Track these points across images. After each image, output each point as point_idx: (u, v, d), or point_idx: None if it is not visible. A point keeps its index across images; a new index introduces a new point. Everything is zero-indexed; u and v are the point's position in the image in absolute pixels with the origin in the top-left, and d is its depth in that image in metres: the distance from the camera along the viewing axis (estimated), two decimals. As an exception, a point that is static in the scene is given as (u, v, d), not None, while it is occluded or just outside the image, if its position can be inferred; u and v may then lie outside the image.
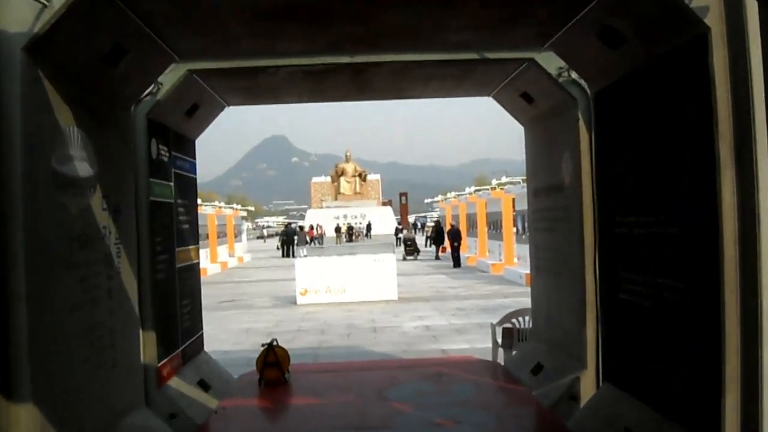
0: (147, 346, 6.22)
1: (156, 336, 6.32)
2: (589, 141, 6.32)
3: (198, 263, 8.14)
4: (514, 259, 25.79)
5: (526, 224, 22.36)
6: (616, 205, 5.66)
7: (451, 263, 30.59)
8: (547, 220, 7.48)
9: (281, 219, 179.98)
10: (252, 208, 61.90)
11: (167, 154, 6.95)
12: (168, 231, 6.92)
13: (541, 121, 7.50)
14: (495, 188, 27.50)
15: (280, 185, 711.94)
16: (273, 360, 7.78)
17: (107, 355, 5.12)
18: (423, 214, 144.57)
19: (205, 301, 19.43)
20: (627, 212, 5.45)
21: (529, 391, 6.93)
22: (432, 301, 17.96)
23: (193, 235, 7.93)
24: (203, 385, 7.28)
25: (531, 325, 8.35)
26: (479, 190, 31.58)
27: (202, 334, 8.32)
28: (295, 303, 18.18)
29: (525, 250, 22.99)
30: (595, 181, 6.26)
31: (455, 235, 31.57)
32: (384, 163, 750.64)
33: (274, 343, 8.14)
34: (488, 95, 8.17)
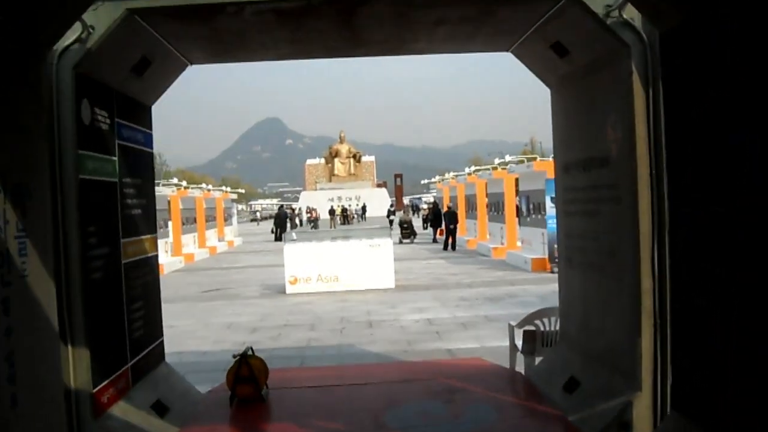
0: (76, 368, 4.82)
1: (89, 354, 4.91)
2: (645, 100, 4.90)
3: (155, 256, 6.70)
4: (518, 242, 24.40)
5: (530, 206, 20.95)
6: (688, 182, 4.24)
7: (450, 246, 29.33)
8: (585, 202, 6.05)
9: (275, 201, 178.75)
10: (243, 191, 60.31)
11: (108, 121, 5.49)
12: (108, 218, 5.48)
13: (576, 79, 6.05)
14: (497, 168, 26.05)
15: (275, 168, 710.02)
16: (246, 374, 6.36)
17: (2, 392, 3.69)
18: (417, 196, 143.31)
19: (187, 290, 18.07)
20: (704, 190, 4.03)
21: (564, 417, 5.54)
22: (432, 289, 16.56)
23: (148, 223, 6.49)
24: (159, 407, 5.86)
25: (558, 327, 6.96)
26: (479, 170, 30.11)
27: (161, 342, 6.88)
28: (284, 292, 16.77)
29: (528, 233, 21.62)
30: (654, 151, 4.84)
31: (451, 218, 30.13)
32: (378, 145, 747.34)
33: (249, 352, 6.73)
34: (507, 50, 6.72)
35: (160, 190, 26.42)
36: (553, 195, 18.61)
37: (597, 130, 5.61)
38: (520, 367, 7.53)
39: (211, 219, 36.47)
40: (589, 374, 5.84)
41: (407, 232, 34.67)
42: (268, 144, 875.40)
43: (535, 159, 19.80)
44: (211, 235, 35.98)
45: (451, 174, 37.59)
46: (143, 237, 6.29)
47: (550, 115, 6.80)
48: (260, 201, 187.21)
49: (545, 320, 7.19)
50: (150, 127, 6.65)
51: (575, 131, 6.23)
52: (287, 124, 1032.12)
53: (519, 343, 7.46)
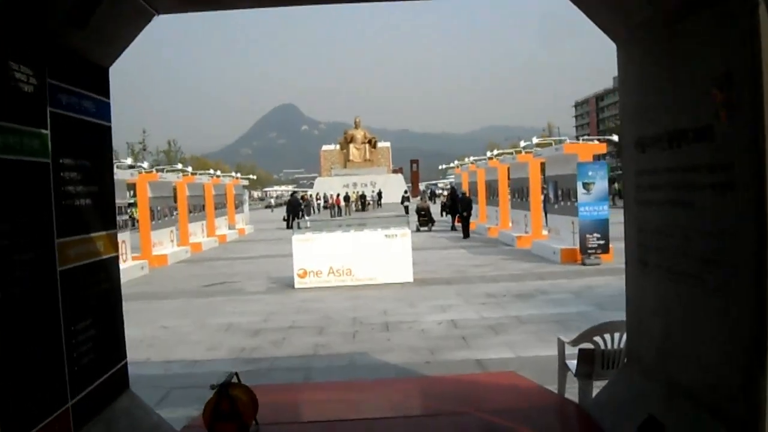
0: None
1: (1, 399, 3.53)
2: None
3: (114, 258, 5.29)
4: (543, 231, 22.90)
5: (559, 192, 19.42)
6: None
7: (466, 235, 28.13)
8: (670, 188, 4.56)
9: (291, 188, 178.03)
10: (254, 177, 58.95)
11: (33, 82, 4.07)
12: (35, 211, 4.07)
13: (661, 25, 4.54)
14: (521, 151, 24.49)
15: (290, 154, 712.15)
16: (227, 410, 4.95)
17: None
18: (434, 182, 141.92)
19: (189, 283, 16.69)
20: None
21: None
22: (454, 284, 15.11)
23: (102, 216, 5.09)
24: (113, 457, 4.47)
25: (625, 346, 5.51)
26: (501, 154, 28.54)
27: (124, 365, 5.47)
28: (292, 287, 15.40)
29: (557, 221, 20.09)
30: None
31: (466, 204, 28.80)
32: (394, 131, 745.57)
33: (234, 379, 5.33)
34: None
35: (165, 177, 25.11)
36: (587, 180, 17.16)
37: (692, 93, 4.13)
38: (571, 393, 6.12)
39: (220, 206, 35.19)
40: (676, 415, 4.39)
41: (425, 219, 33.21)
42: (283, 130, 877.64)
43: (564, 141, 18.28)
44: (221, 223, 34.71)
45: (471, 158, 36.01)
46: (94, 235, 4.89)
47: (612, 79, 5.34)
48: (275, 187, 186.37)
49: (606, 336, 5.75)
50: (106, 95, 5.23)
51: (656, 96, 4.73)
52: (303, 110, 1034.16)
53: (571, 362, 6.05)
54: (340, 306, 12.89)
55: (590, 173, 17.12)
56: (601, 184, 17.12)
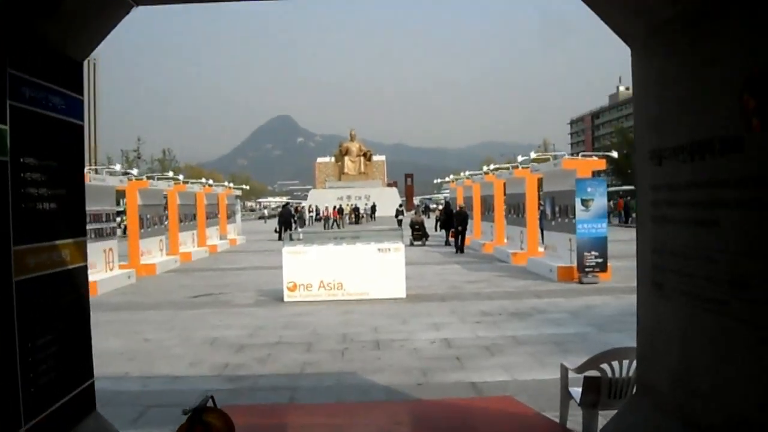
0: None
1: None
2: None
3: (82, 268, 4.88)
4: (539, 248, 22.50)
5: (556, 209, 19.04)
6: None
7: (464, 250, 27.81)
8: (691, 205, 4.17)
9: (285, 199, 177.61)
10: (247, 186, 58.49)
11: (-11, 70, 3.67)
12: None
13: (683, 24, 4.17)
14: (517, 166, 24.14)
15: (285, 165, 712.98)
16: (201, 439, 4.50)
17: None
18: (428, 196, 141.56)
19: (176, 294, 16.21)
20: None
21: None
22: (448, 300, 14.68)
23: (69, 222, 4.68)
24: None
25: (635, 374, 5.10)
26: (498, 169, 28.19)
27: (91, 385, 5.04)
28: (281, 300, 14.94)
29: (554, 238, 19.69)
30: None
31: (462, 219, 28.46)
32: (389, 145, 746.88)
33: (210, 403, 4.88)
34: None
35: (156, 185, 24.68)
36: (585, 197, 16.78)
37: (719, 99, 3.74)
38: (573, 422, 5.71)
39: (212, 216, 34.71)
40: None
41: (419, 234, 32.81)
42: (279, 141, 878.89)
43: (562, 157, 17.91)
44: (212, 233, 34.22)
45: (467, 173, 35.67)
46: (59, 243, 4.47)
47: (627, 85, 4.95)
48: (269, 198, 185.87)
49: (614, 363, 5.33)
50: (78, 91, 4.82)
51: (677, 104, 4.34)
52: (298, 121, 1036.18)
53: (575, 389, 5.63)
54: (329, 321, 12.44)
55: (589, 189, 16.75)
56: (600, 201, 16.74)
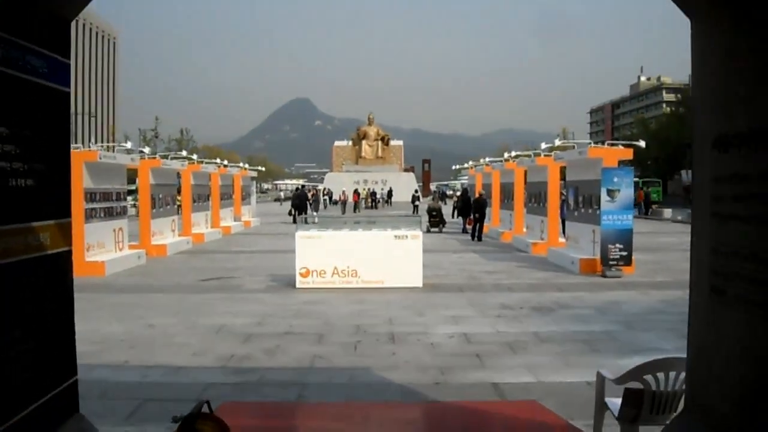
0: None
1: None
2: None
3: (65, 253, 4.33)
4: (560, 238, 21.86)
5: (580, 199, 18.38)
6: None
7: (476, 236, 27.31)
8: (762, 201, 3.56)
9: (302, 182, 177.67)
10: (263, 168, 58.05)
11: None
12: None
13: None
14: (540, 154, 23.45)
15: (303, 148, 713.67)
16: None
17: None
18: (444, 183, 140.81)
19: (185, 277, 15.74)
20: None
21: None
22: (467, 291, 14.11)
23: (49, 201, 4.13)
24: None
25: (685, 389, 4.51)
26: (519, 156, 27.49)
27: (73, 384, 4.51)
28: (293, 286, 14.44)
29: (576, 229, 19.02)
30: None
31: (481, 206, 27.82)
32: (407, 130, 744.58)
33: (205, 408, 4.35)
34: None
35: (169, 164, 24.21)
36: (612, 187, 16.11)
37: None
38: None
39: (227, 197, 34.28)
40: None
41: (436, 220, 32.23)
42: (296, 124, 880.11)
43: (588, 145, 17.15)
44: (227, 214, 33.79)
45: (487, 159, 34.96)
46: (36, 224, 3.93)
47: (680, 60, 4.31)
48: (286, 180, 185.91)
49: (659, 375, 4.75)
50: (64, 53, 4.26)
51: (747, 83, 3.73)
52: (317, 105, 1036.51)
53: (612, 401, 5.06)
54: (343, 310, 11.91)
55: (615, 179, 16.06)
56: (626, 192, 16.06)
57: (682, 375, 4.59)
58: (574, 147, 19.45)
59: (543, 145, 24.39)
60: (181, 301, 13.14)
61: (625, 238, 16.16)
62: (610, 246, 16.17)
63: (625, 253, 16.21)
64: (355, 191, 60.98)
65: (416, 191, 59.99)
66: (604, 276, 16.11)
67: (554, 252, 19.48)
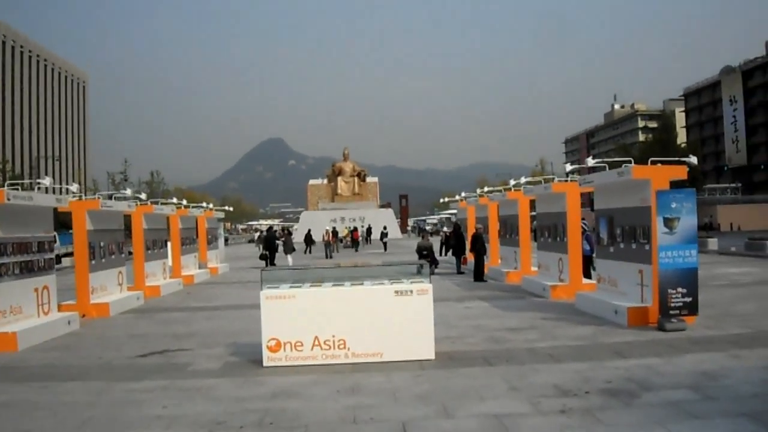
0: None
1: None
2: None
3: None
4: (584, 280, 18.21)
5: (617, 231, 14.79)
6: None
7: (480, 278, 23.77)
8: None
9: (277, 222, 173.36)
10: (230, 208, 53.96)
11: None
12: None
13: None
14: (553, 179, 19.87)
15: (277, 188, 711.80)
16: None
17: None
18: (422, 218, 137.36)
19: (119, 350, 10.10)
20: None
21: None
22: (497, 364, 10.33)
23: None
24: None
25: None
26: (530, 183, 23.93)
27: None
28: (260, 363, 10.59)
29: (612, 269, 15.33)
30: None
31: (481, 243, 24.40)
32: (380, 167, 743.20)
33: None
34: None
35: (112, 205, 20.25)
36: (670, 215, 12.41)
37: None
38: None
39: (189, 242, 30.27)
40: None
41: (428, 261, 28.46)
42: (270, 164, 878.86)
43: (630, 166, 13.52)
44: (189, 261, 29.74)
45: (478, 190, 31.44)
46: None
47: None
48: (261, 221, 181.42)
49: None
50: None
51: None
52: (290, 144, 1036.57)
53: None
54: (328, 411, 8.04)
55: (674, 205, 12.45)
56: (688, 220, 12.43)
57: None
58: (604, 168, 15.83)
59: (568, 167, 20.82)
60: (99, 395, 9.20)
61: (690, 279, 12.53)
62: (670, 291, 12.52)
63: (689, 299, 12.57)
64: (334, 230, 56.79)
65: (385, 228, 56.28)
66: (662, 329, 12.43)
67: (586, 298, 15.74)
